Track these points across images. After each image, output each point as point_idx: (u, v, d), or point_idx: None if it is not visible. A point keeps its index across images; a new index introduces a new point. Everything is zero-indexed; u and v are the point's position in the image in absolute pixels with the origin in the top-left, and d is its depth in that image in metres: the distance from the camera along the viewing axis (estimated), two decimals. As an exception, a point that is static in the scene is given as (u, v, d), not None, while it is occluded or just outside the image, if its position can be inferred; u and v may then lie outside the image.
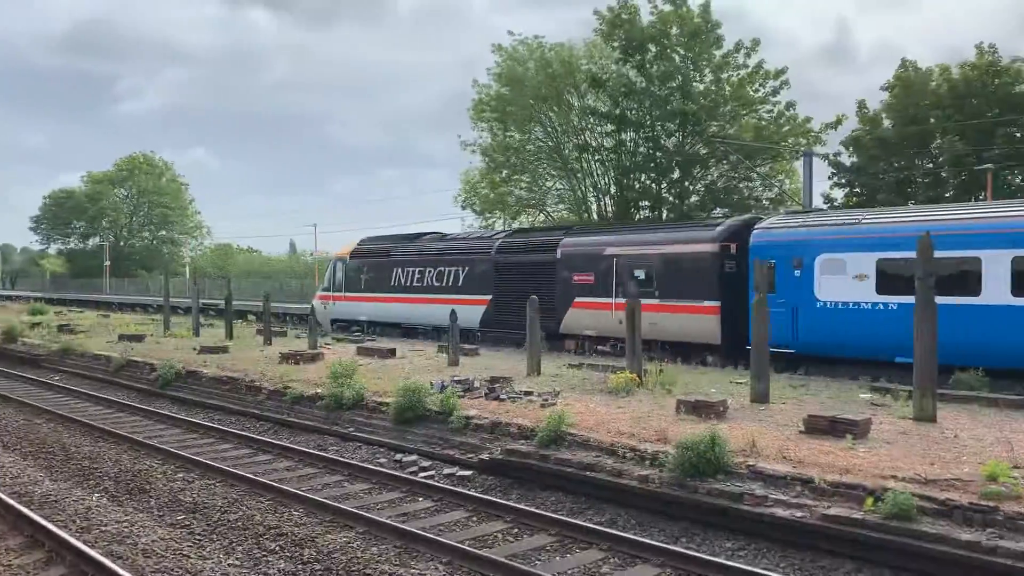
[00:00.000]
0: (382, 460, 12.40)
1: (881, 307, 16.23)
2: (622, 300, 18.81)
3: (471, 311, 24.17)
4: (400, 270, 27.62)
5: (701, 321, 19.19)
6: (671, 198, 37.18)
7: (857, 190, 33.48)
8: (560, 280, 22.46)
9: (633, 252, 20.97)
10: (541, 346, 18.87)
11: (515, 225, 41.89)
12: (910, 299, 12.23)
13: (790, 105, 35.73)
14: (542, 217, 43.07)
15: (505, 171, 40.37)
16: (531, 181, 41.45)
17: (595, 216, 38.95)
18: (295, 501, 10.07)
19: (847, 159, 33.52)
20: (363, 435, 13.59)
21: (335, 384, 15.01)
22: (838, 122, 33.94)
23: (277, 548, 8.49)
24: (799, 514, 8.20)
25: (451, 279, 25.78)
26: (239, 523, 9.32)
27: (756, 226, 19.07)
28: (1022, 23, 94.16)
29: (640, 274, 20.28)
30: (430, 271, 26.57)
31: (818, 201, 34.27)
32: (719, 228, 20.09)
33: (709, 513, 8.87)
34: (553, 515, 9.34)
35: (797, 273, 17.45)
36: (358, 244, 31.03)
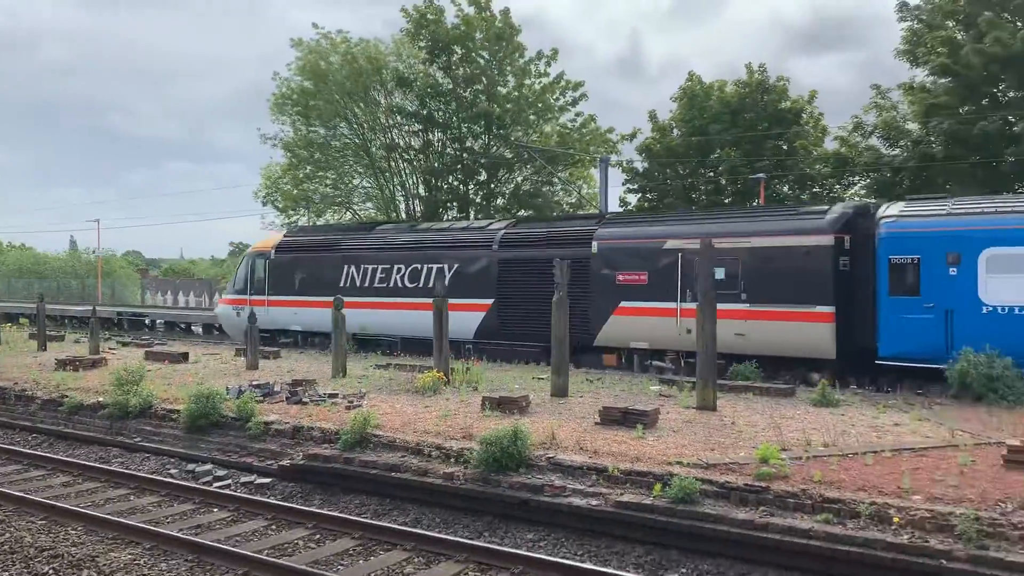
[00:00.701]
0: (173, 471, 11.66)
1: None
2: (691, 305, 15.68)
3: (463, 319, 19.34)
4: (355, 268, 22.46)
5: (810, 331, 15.67)
6: (479, 200, 37.77)
7: (648, 196, 35.56)
8: (596, 281, 18.31)
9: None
10: (569, 363, 16.73)
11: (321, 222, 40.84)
12: None
13: (592, 118, 37.36)
14: (349, 215, 42.34)
15: (309, 167, 39.30)
16: (337, 178, 40.60)
17: (403, 216, 38.81)
18: (73, 519, 9.24)
19: (640, 165, 35.52)
20: (151, 445, 12.72)
21: (119, 391, 13.93)
22: (633, 135, 35.92)
23: (51, 571, 7.76)
24: (595, 502, 8.57)
25: (433, 279, 20.39)
26: (5, 547, 8.42)
27: (883, 214, 15.71)
28: (786, 47, 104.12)
29: (719, 273, 15.97)
30: (400, 269, 21.71)
31: (614, 206, 36.17)
32: (831, 216, 16.31)
33: (512, 506, 9.07)
34: (357, 518, 9.19)
35: (952, 271, 14.57)
36: (286, 235, 25.70)
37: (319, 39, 36.37)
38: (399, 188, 38.86)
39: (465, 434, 10.68)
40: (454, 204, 38.33)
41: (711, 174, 33.30)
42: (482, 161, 36.46)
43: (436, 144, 37.73)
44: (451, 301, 18.64)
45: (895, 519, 7.33)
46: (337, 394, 13.87)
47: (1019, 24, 25.37)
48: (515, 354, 19.11)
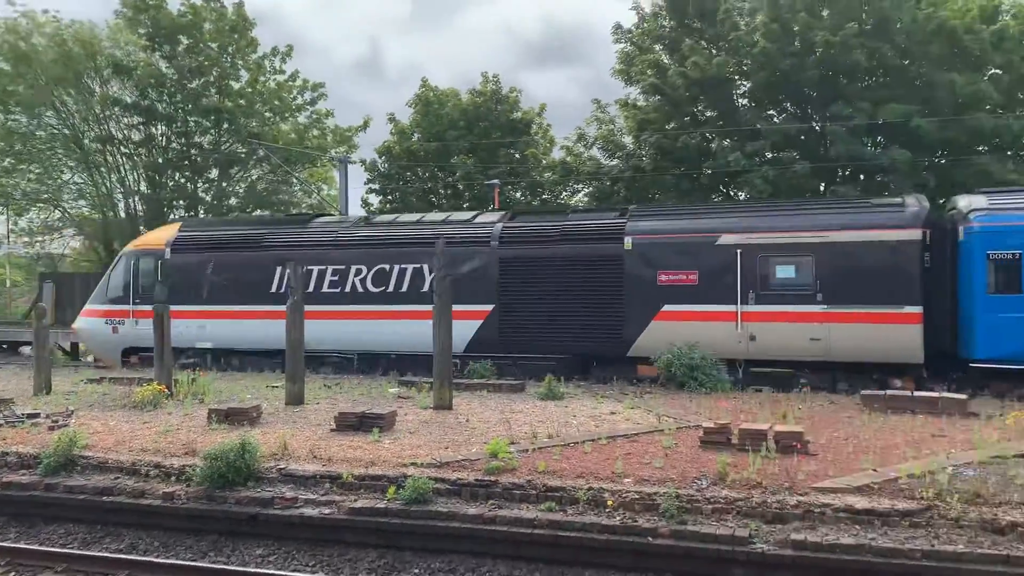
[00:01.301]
0: None
1: None
2: (755, 308, 15.29)
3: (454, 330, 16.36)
4: (302, 269, 18.60)
5: (896, 333, 14.53)
6: (209, 199, 35.72)
7: (390, 197, 35.69)
8: (631, 282, 16.28)
9: (773, 241, 15.51)
10: (593, 376, 16.09)
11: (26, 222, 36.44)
12: None
13: (329, 113, 36.79)
14: (57, 214, 38.15)
15: (8, 159, 34.93)
16: (43, 172, 36.44)
17: (123, 215, 35.66)
18: None
19: (382, 167, 35.53)
20: None
21: None
22: (366, 124, 36.15)
23: None
24: (327, 511, 8.41)
25: (407, 283, 17.77)
26: None
27: (971, 206, 14.79)
28: (520, 59, 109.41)
29: (788, 271, 15.32)
30: (360, 271, 18.16)
31: (356, 207, 35.86)
32: (913, 209, 15.17)
33: (240, 522, 8.64)
34: (61, 550, 8.28)
35: None
36: (182, 229, 20.67)
37: (18, 17, 32.46)
38: (118, 184, 35.69)
39: (188, 450, 10.03)
40: (181, 202, 35.93)
41: (450, 179, 34.11)
42: (213, 157, 34.52)
43: (159, 138, 35.14)
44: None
45: (609, 502, 7.92)
46: (39, 413, 12.45)
47: (714, 52, 28.58)
48: (519, 369, 16.57)
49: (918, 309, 14.50)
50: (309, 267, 18.00)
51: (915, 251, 14.68)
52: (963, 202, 15.17)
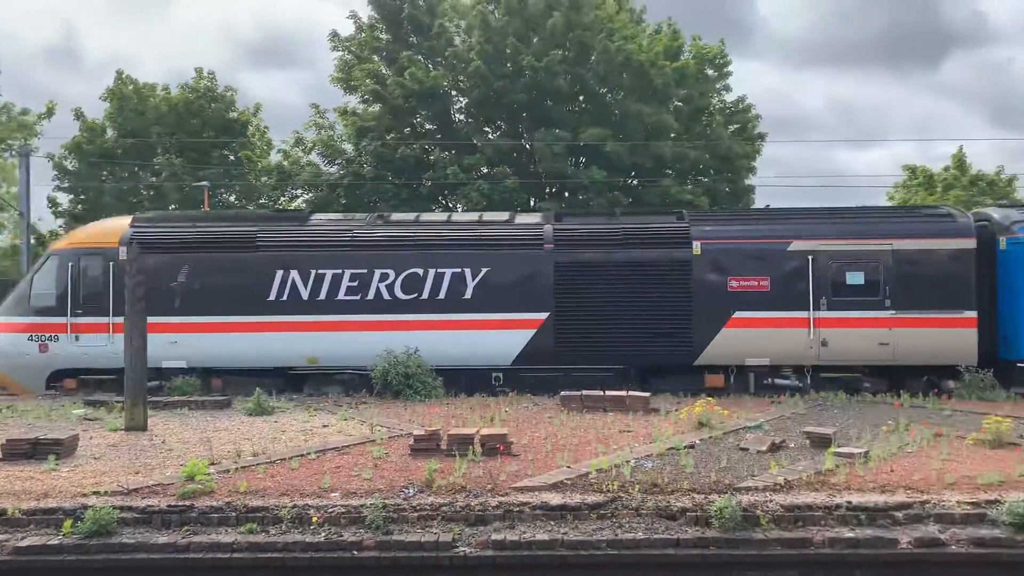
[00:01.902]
0: None
1: None
2: (826, 314, 15.42)
3: (499, 340, 15.70)
4: (297, 273, 15.98)
5: (955, 337, 15.17)
6: None
7: (82, 197, 32.31)
8: (701, 288, 15.70)
9: (843, 248, 15.68)
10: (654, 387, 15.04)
11: None
12: None
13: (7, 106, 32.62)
14: None
15: None
16: None
17: None
18: None
19: (71, 165, 32.05)
20: None
21: None
22: (50, 112, 32.56)
23: None
24: (-14, 554, 7.32)
25: (445, 289, 15.90)
26: None
27: (1015, 220, 15.88)
28: (237, 58, 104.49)
29: (858, 278, 15.46)
30: (387, 276, 15.98)
31: (43, 207, 32.04)
32: (964, 220, 16.03)
33: None
34: None
35: None
36: (138, 225, 16.90)
37: None
38: None
39: None
40: None
41: (153, 179, 31.60)
42: None
43: None
44: (478, 317, 15.67)
45: (314, 519, 7.70)
46: None
47: (431, 67, 29.26)
48: (572, 382, 14.90)
49: (974, 314, 15.27)
50: (320, 271, 16.00)
51: (971, 259, 15.46)
52: (998, 215, 16.37)
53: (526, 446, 10.18)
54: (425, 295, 15.97)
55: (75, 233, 17.93)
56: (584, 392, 13.70)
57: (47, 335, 16.08)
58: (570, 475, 8.67)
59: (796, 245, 15.78)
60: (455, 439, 9.76)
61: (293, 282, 15.99)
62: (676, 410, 12.76)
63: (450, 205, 29.55)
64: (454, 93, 30.11)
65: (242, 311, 15.86)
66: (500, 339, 15.72)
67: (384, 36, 30.56)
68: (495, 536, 7.37)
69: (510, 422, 11.92)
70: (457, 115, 30.75)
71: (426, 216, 18.16)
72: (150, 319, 14.26)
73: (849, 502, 7.77)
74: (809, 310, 15.54)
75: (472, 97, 29.07)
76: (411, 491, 8.31)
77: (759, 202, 31.34)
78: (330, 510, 7.83)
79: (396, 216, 18.01)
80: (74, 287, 16.16)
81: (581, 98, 29.14)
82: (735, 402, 13.95)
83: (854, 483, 8.35)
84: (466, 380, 15.47)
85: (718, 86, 31.20)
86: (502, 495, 8.08)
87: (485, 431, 10.11)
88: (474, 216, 18.01)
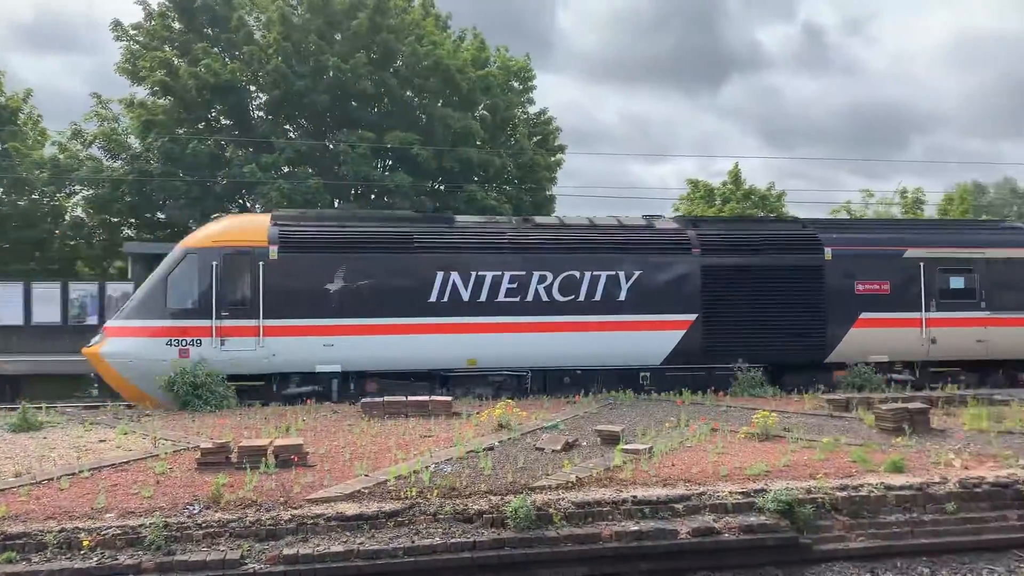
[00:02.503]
0: None
1: None
2: (934, 315, 17.70)
3: (649, 341, 16.57)
4: (458, 275, 15.94)
5: None
6: None
7: None
8: (832, 291, 17.29)
9: (948, 255, 18.02)
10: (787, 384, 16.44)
11: None
12: None
13: None
14: None
15: None
16: None
17: None
18: None
19: None
20: None
21: None
22: None
23: None
24: None
25: (600, 291, 16.40)
26: None
27: None
28: (6, 38, 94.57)
29: (959, 282, 17.96)
30: (545, 278, 16.27)
31: None
32: None
33: None
34: None
35: None
36: (282, 223, 15.95)
37: None
38: None
39: None
40: None
41: None
42: None
43: None
44: (632, 318, 16.46)
45: (85, 542, 7.06)
46: None
47: (227, 60, 27.91)
48: (713, 380, 16.25)
49: None
50: (481, 272, 16.07)
51: None
52: None
53: (324, 456, 9.90)
54: (582, 297, 16.40)
55: (211, 230, 16.18)
56: (386, 398, 13.56)
57: (188, 339, 14.87)
58: (368, 484, 8.52)
59: (910, 252, 17.81)
60: (246, 451, 9.32)
61: (454, 284, 15.95)
62: (477, 412, 12.92)
63: (248, 205, 28.32)
64: (253, 88, 28.89)
65: (402, 313, 15.68)
66: (652, 339, 16.56)
67: (176, 25, 28.79)
68: (287, 551, 7.09)
69: (307, 431, 11.55)
70: (256, 111, 29.54)
71: (569, 219, 18.02)
72: (304, 321, 15.18)
73: (635, 496, 8.18)
74: (921, 311, 17.59)
75: (272, 95, 28.02)
76: (196, 508, 7.83)
77: (559, 211, 32.54)
78: (104, 532, 7.21)
79: (539, 219, 18.24)
80: (219, 288, 15.09)
81: (386, 100, 28.92)
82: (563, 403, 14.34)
83: (640, 478, 8.81)
84: (615, 380, 16.09)
85: (523, 99, 32.08)
86: (295, 508, 7.80)
87: (279, 442, 9.73)
88: (613, 220, 17.96)
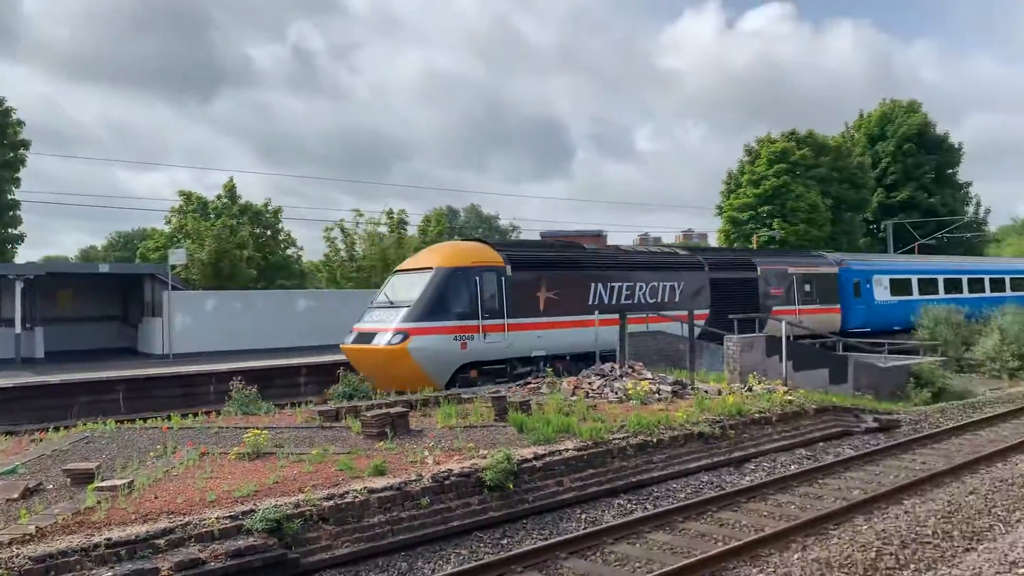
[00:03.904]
0: None
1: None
2: (801, 307, 27.22)
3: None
4: (601, 285, 22.20)
5: None
6: None
7: None
8: (762, 293, 26.47)
9: (801, 272, 28.02)
10: None
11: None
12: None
13: None
14: None
15: None
16: None
17: None
18: None
19: None
20: None
21: None
22: None
23: None
24: None
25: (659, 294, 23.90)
26: None
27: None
28: None
29: (807, 287, 27.85)
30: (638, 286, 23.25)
31: None
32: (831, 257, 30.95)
33: None
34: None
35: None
36: (505, 249, 21.10)
37: None
38: None
39: None
40: None
41: None
42: None
43: None
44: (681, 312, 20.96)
45: None
46: None
47: None
48: (716, 337, 20.77)
49: None
50: (613, 284, 22.36)
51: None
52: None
53: None
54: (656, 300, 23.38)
55: (460, 253, 20.30)
56: None
57: (466, 335, 19.04)
58: None
59: (791, 270, 27.68)
60: None
61: (599, 291, 21.82)
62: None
63: None
64: None
65: (574, 312, 20.62)
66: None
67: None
68: None
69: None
70: None
71: (664, 242, 28.05)
72: (522, 320, 19.95)
73: (109, 539, 7.40)
74: (795, 304, 27.12)
75: None
76: None
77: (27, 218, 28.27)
78: None
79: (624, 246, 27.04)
80: (481, 297, 19.41)
81: None
82: None
83: (117, 517, 8.01)
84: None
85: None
86: None
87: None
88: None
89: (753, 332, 20.95)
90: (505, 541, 9.29)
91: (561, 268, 21.27)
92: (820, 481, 11.98)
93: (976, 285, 34.14)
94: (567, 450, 11.39)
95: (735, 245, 44.05)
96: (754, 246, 38.87)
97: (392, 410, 12.44)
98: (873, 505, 10.51)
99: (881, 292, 29.96)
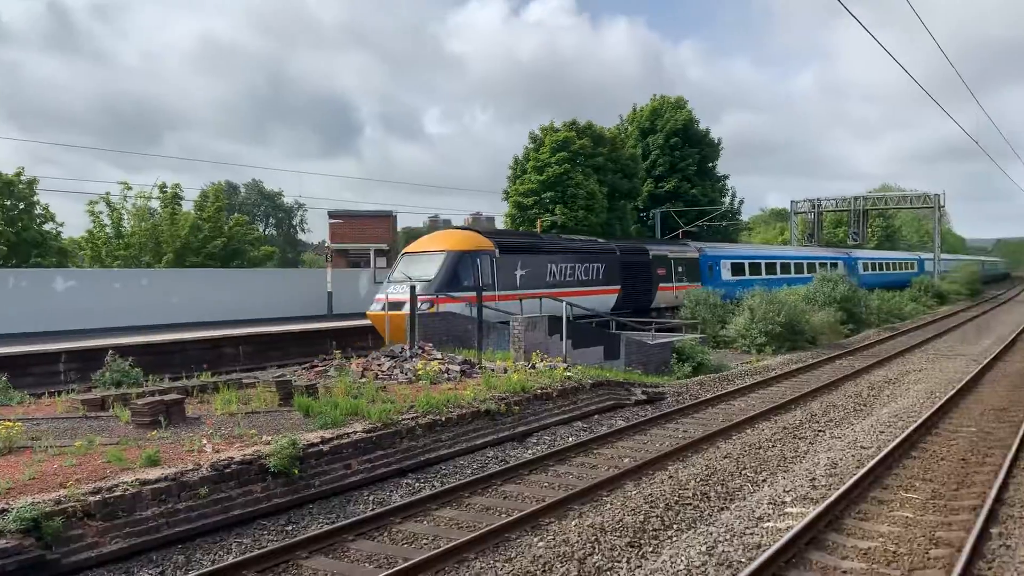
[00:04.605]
0: None
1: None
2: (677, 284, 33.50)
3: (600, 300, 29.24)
4: (554, 266, 27.00)
5: None
6: None
7: None
8: (703, 271, 35.35)
9: (676, 256, 34.24)
10: None
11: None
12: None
13: None
14: None
15: None
16: None
17: None
18: None
19: None
20: None
21: None
22: None
23: None
24: None
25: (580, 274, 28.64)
26: None
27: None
28: None
29: (679, 269, 34.15)
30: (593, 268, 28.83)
31: None
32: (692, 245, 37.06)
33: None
34: None
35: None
36: (492, 236, 26.01)
37: None
38: None
39: None
40: None
41: None
42: None
43: None
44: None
45: None
46: None
47: None
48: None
49: None
50: (558, 264, 27.07)
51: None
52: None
53: None
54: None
55: (464, 239, 24.74)
56: None
57: (473, 304, 20.62)
58: None
59: (691, 253, 35.56)
60: None
61: (553, 270, 26.68)
62: None
63: None
64: None
65: (537, 287, 25.26)
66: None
67: None
68: None
69: None
70: None
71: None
72: (506, 292, 24.27)
73: None
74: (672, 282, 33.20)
75: None
76: None
77: None
78: None
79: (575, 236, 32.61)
80: (481, 274, 23.67)
81: None
82: None
83: None
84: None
85: None
86: None
87: None
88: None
89: (646, 317, 28.06)
90: (290, 527, 9.11)
91: (530, 252, 25.97)
92: (595, 451, 12.77)
93: (785, 268, 43.42)
94: (356, 432, 11.33)
95: (520, 229, 45.52)
96: (538, 230, 40.30)
97: (166, 397, 11.76)
98: (641, 472, 11.37)
99: (726, 273, 37.18)
